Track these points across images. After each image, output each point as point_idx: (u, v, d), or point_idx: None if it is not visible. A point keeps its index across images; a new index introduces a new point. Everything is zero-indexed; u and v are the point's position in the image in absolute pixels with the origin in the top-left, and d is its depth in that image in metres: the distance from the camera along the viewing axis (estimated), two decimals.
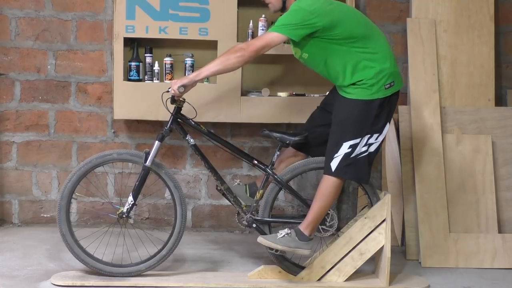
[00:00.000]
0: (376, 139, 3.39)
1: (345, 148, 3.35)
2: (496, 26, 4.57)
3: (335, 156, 3.36)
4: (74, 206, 4.59)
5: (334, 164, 3.36)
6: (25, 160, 4.60)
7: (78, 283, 3.40)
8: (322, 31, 3.28)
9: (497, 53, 4.62)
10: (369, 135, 3.37)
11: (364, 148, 3.37)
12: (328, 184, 3.39)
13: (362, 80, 3.33)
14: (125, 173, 4.51)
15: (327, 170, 3.40)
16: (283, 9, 3.47)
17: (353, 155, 3.35)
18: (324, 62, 3.39)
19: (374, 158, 3.46)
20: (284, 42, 3.45)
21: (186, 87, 3.36)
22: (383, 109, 3.39)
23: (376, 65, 3.34)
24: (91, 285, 3.41)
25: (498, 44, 4.66)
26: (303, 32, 3.27)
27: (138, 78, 4.31)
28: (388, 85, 3.37)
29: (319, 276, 3.56)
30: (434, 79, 4.39)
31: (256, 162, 3.61)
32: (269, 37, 3.31)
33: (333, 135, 3.41)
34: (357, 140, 3.35)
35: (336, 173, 3.37)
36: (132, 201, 3.47)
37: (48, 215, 4.62)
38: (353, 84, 3.35)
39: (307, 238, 3.40)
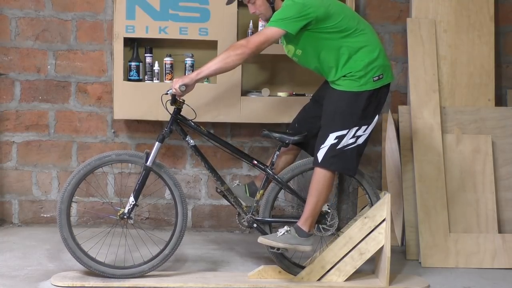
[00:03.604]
0: (364, 131, 3.40)
1: (331, 139, 3.36)
2: (496, 26, 4.58)
3: (321, 147, 3.38)
4: (74, 206, 4.59)
5: (320, 155, 3.38)
6: (25, 160, 4.60)
7: (78, 283, 3.40)
8: (315, 23, 3.30)
9: (497, 53, 4.62)
10: (357, 127, 3.38)
11: (352, 140, 3.38)
12: (319, 177, 3.39)
13: (350, 72, 3.36)
14: (124, 173, 4.51)
15: (315, 161, 3.42)
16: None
17: (339, 146, 3.37)
18: (317, 58, 3.41)
19: (363, 149, 3.46)
20: (276, 43, 3.44)
21: (187, 86, 3.35)
22: (371, 102, 3.40)
23: (365, 58, 3.36)
24: (91, 285, 3.40)
25: (498, 44, 4.66)
26: (300, 24, 3.28)
27: (138, 78, 4.31)
28: (377, 78, 3.38)
29: (319, 276, 3.56)
30: (434, 79, 4.39)
31: (256, 162, 3.62)
32: (268, 32, 3.32)
33: (322, 127, 3.44)
34: (344, 132, 3.36)
35: (322, 164, 3.38)
36: (133, 202, 3.47)
37: (48, 215, 4.62)
38: (343, 76, 3.37)
39: (307, 234, 3.40)
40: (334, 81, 3.42)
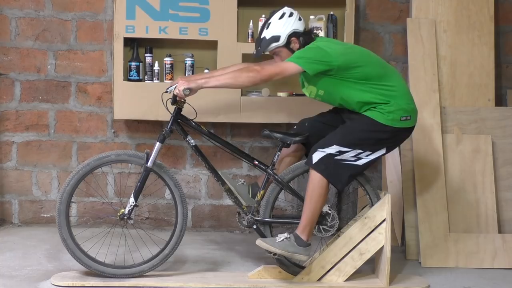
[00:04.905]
0: (367, 156, 3.42)
1: (332, 149, 3.37)
2: (496, 26, 4.58)
3: (319, 149, 3.39)
4: (74, 206, 4.59)
5: (316, 157, 3.38)
6: (25, 160, 4.60)
7: (78, 283, 3.40)
8: (337, 71, 3.34)
9: (497, 53, 4.62)
10: (361, 151, 3.40)
11: (352, 158, 3.40)
12: (314, 184, 3.38)
13: (380, 105, 3.38)
14: (124, 173, 4.51)
15: (308, 160, 3.42)
16: None
17: (337, 157, 3.38)
18: (340, 97, 3.44)
19: (360, 172, 3.47)
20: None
21: (191, 91, 3.35)
22: (389, 139, 3.43)
23: (395, 99, 3.39)
24: (91, 285, 3.40)
25: (498, 44, 4.66)
26: (318, 67, 3.32)
27: (138, 78, 4.31)
28: (404, 118, 3.41)
29: (319, 276, 3.56)
30: (434, 79, 4.39)
31: (256, 162, 3.62)
32: (285, 66, 3.36)
33: (332, 134, 3.45)
34: (347, 149, 3.38)
35: (315, 166, 3.38)
36: (133, 202, 3.47)
37: (48, 215, 4.63)
38: (373, 107, 3.40)
39: (305, 244, 3.40)
40: (361, 112, 3.45)
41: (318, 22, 4.30)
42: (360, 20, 4.66)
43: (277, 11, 3.55)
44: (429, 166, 4.20)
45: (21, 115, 4.57)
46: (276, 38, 3.48)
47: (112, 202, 4.49)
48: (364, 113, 3.41)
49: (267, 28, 3.51)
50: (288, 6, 4.46)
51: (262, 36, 3.52)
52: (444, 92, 4.44)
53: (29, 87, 4.55)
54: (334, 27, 4.39)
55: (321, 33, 4.27)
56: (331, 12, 4.39)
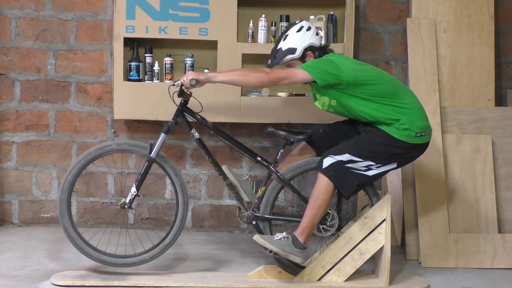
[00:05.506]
0: (377, 168, 3.43)
1: (344, 157, 3.38)
2: (496, 26, 4.58)
3: (330, 155, 3.39)
4: (74, 207, 4.59)
5: (326, 162, 3.38)
6: (25, 160, 4.60)
7: (78, 282, 3.40)
8: (346, 85, 3.36)
9: (497, 53, 4.62)
10: (373, 163, 3.41)
11: (363, 168, 3.41)
12: (320, 189, 3.38)
13: (397, 121, 3.39)
14: (125, 173, 4.51)
15: (319, 164, 3.42)
16: None
17: (347, 165, 3.38)
18: (353, 110, 3.45)
19: (367, 183, 3.48)
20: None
21: (198, 82, 3.36)
22: (402, 154, 3.44)
23: (408, 116, 3.40)
24: (91, 284, 3.40)
25: (498, 44, 4.66)
26: (328, 79, 3.32)
27: (138, 78, 4.31)
28: (420, 134, 3.42)
29: (319, 276, 3.56)
30: (434, 79, 4.39)
31: (259, 159, 3.63)
32: (294, 71, 3.37)
33: (346, 142, 3.46)
34: (359, 160, 3.39)
35: (324, 170, 3.37)
36: (135, 192, 3.48)
37: (48, 215, 4.63)
38: (390, 123, 3.41)
39: (302, 246, 3.40)
40: (376, 125, 3.45)
41: (318, 22, 4.31)
42: (360, 20, 4.66)
43: (295, 23, 3.57)
44: (429, 166, 4.20)
45: (21, 115, 4.58)
46: (292, 50, 3.50)
47: (112, 202, 4.49)
48: (380, 127, 3.43)
49: (284, 39, 3.53)
50: (289, 6, 4.48)
51: (278, 47, 3.54)
52: (444, 92, 4.44)
53: (29, 87, 4.56)
54: (334, 27, 4.39)
55: (321, 33, 4.27)
56: (331, 12, 4.40)
